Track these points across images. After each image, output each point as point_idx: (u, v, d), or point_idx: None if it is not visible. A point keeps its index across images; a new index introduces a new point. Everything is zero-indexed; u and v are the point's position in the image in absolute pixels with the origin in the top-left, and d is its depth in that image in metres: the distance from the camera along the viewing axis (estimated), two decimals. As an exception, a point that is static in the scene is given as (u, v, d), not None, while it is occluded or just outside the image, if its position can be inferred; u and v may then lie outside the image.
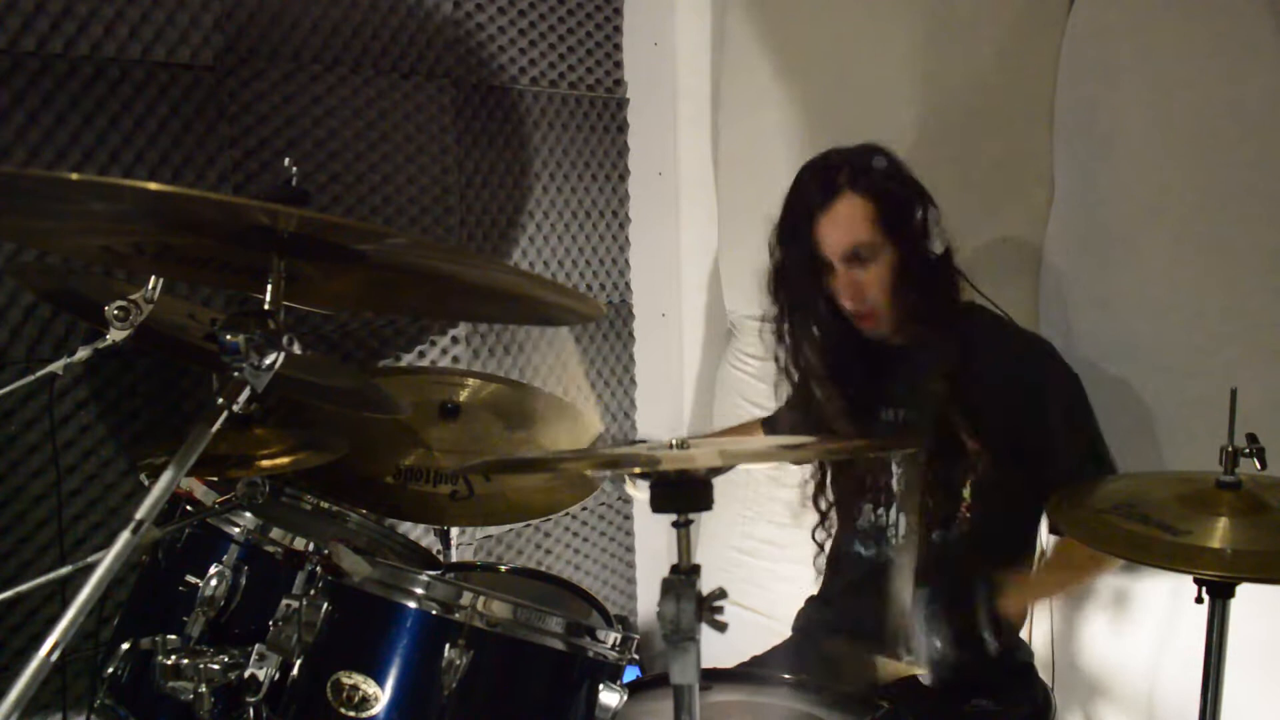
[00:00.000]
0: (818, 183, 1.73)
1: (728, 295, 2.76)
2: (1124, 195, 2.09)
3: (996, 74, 2.27)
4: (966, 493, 1.75)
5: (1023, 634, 1.95)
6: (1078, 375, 1.79)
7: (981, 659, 1.80)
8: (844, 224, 1.70)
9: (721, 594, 1.11)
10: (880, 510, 1.85)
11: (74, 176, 1.07)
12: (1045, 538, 2.23)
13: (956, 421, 1.71)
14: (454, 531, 2.18)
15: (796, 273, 1.78)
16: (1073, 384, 1.77)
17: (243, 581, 1.51)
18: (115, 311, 1.46)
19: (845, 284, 1.73)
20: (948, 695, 1.74)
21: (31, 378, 1.60)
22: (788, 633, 2.06)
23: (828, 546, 1.98)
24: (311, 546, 1.51)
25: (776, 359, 1.88)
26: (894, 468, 1.83)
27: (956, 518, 1.77)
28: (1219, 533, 1.30)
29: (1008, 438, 1.71)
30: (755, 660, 1.94)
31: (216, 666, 1.37)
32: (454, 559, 2.12)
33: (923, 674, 1.67)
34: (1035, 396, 1.73)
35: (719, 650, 1.77)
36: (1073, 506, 1.48)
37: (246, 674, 1.37)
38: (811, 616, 2.04)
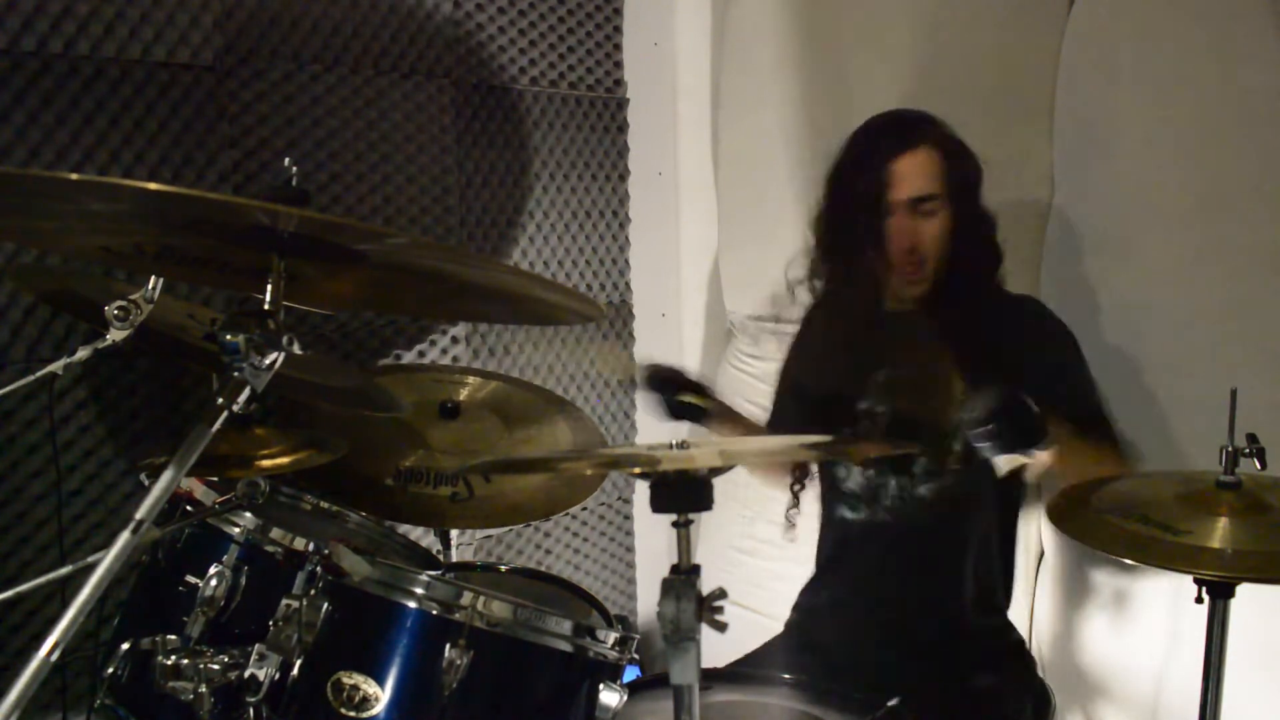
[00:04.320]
0: (897, 129, 1.77)
1: (728, 295, 2.76)
2: (1124, 195, 2.09)
3: (996, 74, 2.27)
4: (957, 445, 1.75)
5: (1020, 629, 1.95)
6: (1069, 329, 1.81)
7: (982, 610, 1.80)
8: (920, 171, 1.73)
9: (721, 594, 1.11)
10: (870, 471, 1.85)
11: (74, 176, 1.08)
12: (1044, 537, 2.23)
13: (947, 378, 1.71)
14: (454, 531, 2.17)
15: (853, 213, 1.77)
16: (1066, 335, 1.80)
17: (243, 581, 1.50)
18: (115, 311, 1.46)
19: (903, 229, 1.73)
20: (948, 672, 1.75)
21: (31, 378, 1.60)
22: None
23: (800, 506, 2.02)
24: (311, 546, 1.50)
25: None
26: None
27: (946, 471, 1.78)
28: (1219, 533, 1.30)
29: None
30: (751, 656, 1.94)
31: (216, 666, 1.37)
32: (454, 559, 2.12)
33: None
34: (1028, 348, 1.75)
35: (719, 650, 1.78)
36: (1072, 506, 1.48)
37: (246, 674, 1.36)
38: (808, 599, 2.04)
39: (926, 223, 1.74)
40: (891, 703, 1.49)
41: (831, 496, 1.95)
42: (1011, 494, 1.85)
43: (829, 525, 1.98)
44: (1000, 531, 1.85)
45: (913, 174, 1.73)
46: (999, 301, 1.83)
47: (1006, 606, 1.90)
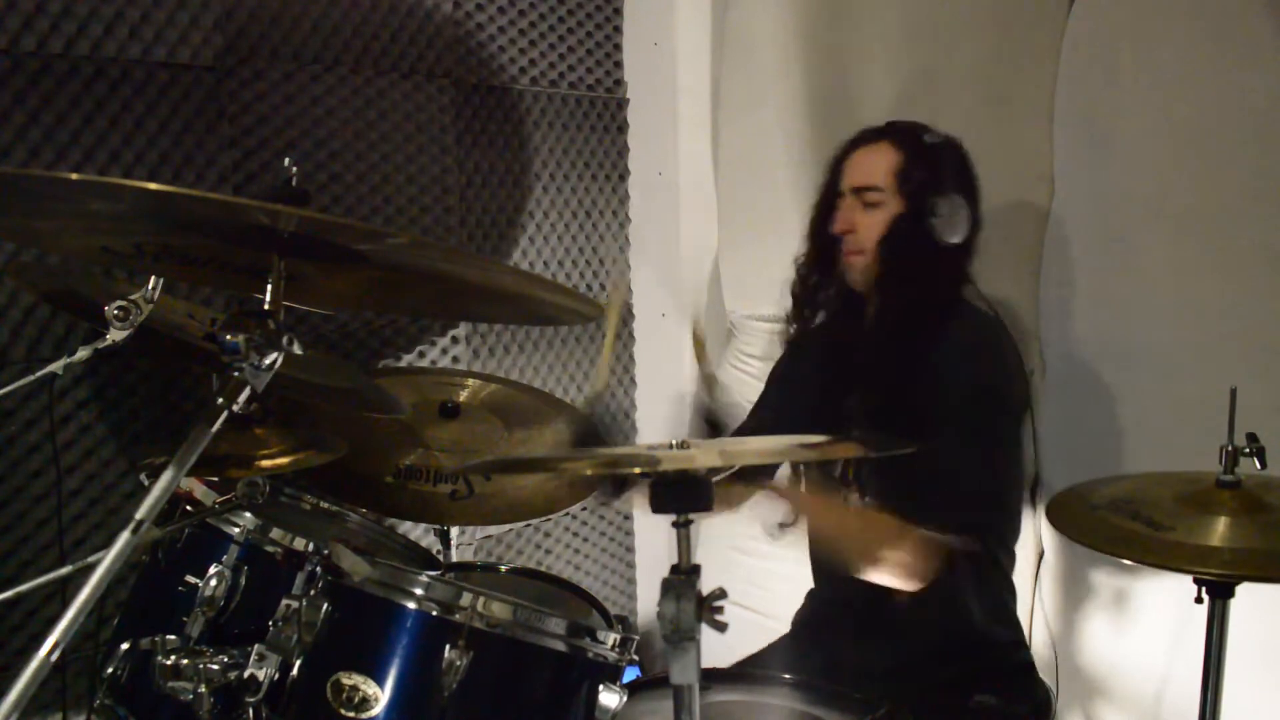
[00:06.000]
0: (872, 130, 1.86)
1: (728, 295, 2.76)
2: (1124, 195, 2.09)
3: (996, 74, 2.27)
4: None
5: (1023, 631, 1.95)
6: (999, 372, 1.79)
7: (988, 623, 1.80)
8: (868, 162, 1.82)
9: (721, 594, 1.11)
10: (863, 500, 1.84)
11: (74, 176, 1.08)
12: (1044, 537, 2.23)
13: (911, 403, 1.72)
14: (454, 531, 2.18)
15: (820, 198, 1.90)
16: (981, 384, 1.74)
17: (243, 581, 1.51)
18: (115, 311, 1.46)
19: (843, 213, 1.83)
20: (951, 691, 1.74)
21: (31, 378, 1.60)
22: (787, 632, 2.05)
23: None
24: (311, 546, 1.51)
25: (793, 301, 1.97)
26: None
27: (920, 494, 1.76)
28: (1218, 532, 1.30)
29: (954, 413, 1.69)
30: (751, 658, 1.94)
31: (216, 667, 1.37)
32: (454, 559, 2.12)
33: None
34: (955, 364, 1.74)
35: (719, 651, 1.77)
36: (1071, 506, 1.48)
37: (246, 674, 1.36)
38: (809, 612, 2.04)
39: (868, 213, 1.80)
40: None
41: None
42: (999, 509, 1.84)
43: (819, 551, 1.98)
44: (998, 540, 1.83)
45: (861, 165, 1.83)
46: (959, 320, 1.79)
47: (1015, 617, 1.88)
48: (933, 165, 1.79)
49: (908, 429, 1.67)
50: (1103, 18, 2.13)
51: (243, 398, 1.14)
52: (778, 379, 2.09)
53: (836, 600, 1.95)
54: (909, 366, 1.73)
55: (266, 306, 1.18)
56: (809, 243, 1.94)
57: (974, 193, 1.82)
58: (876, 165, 1.80)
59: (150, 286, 1.48)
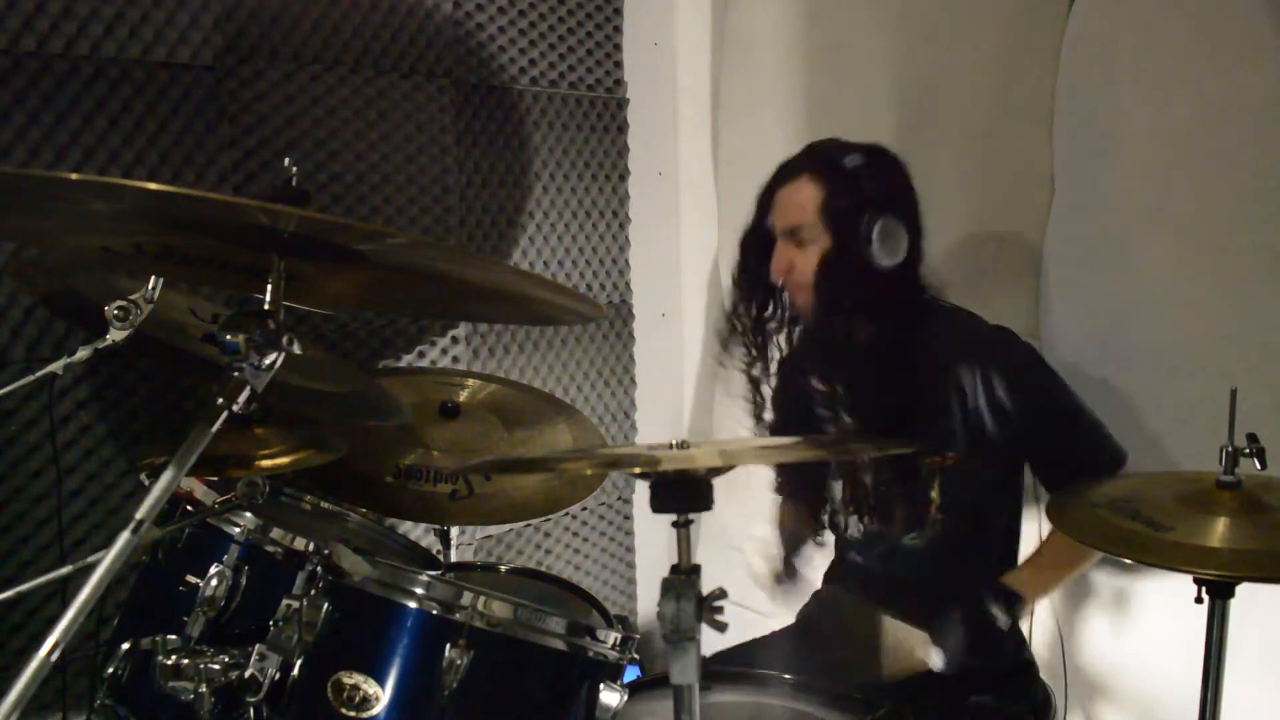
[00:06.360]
0: (792, 162, 1.81)
1: (728, 295, 2.76)
2: (1124, 195, 2.09)
3: (996, 74, 2.27)
4: (935, 494, 1.73)
5: (1023, 630, 1.94)
6: (1041, 357, 1.81)
7: (981, 656, 1.79)
8: (792, 203, 1.77)
9: (721, 594, 1.11)
10: (865, 519, 1.84)
11: (74, 176, 1.08)
12: (1043, 535, 2.23)
13: (917, 419, 1.71)
14: (454, 531, 2.18)
15: (755, 241, 1.86)
16: (1038, 364, 1.78)
17: (243, 581, 1.51)
18: (115, 311, 1.46)
19: (779, 257, 1.78)
20: (948, 691, 1.74)
21: (31, 378, 1.60)
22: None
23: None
24: (312, 546, 1.50)
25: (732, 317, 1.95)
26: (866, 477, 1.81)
27: (926, 520, 1.74)
28: (1218, 532, 1.30)
29: (974, 431, 1.70)
30: (756, 643, 1.93)
31: (216, 666, 1.37)
32: (454, 559, 2.12)
33: (935, 660, 1.64)
34: (1004, 384, 1.72)
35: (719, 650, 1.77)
36: (1071, 506, 1.48)
37: (247, 674, 1.36)
38: (812, 611, 2.04)
39: (802, 251, 1.75)
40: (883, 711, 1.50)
41: (838, 532, 1.94)
42: (1007, 539, 1.84)
43: (838, 559, 1.98)
44: (1001, 563, 1.83)
45: (786, 205, 1.77)
46: (933, 318, 1.79)
47: (1014, 625, 1.87)
48: (856, 191, 1.71)
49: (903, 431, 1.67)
50: (1103, 18, 2.13)
51: (243, 398, 1.14)
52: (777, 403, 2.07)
53: (844, 601, 1.95)
54: (887, 378, 1.73)
55: (266, 306, 1.18)
56: (739, 287, 1.90)
57: (910, 204, 1.75)
58: (801, 203, 1.74)
59: (150, 286, 1.48)
